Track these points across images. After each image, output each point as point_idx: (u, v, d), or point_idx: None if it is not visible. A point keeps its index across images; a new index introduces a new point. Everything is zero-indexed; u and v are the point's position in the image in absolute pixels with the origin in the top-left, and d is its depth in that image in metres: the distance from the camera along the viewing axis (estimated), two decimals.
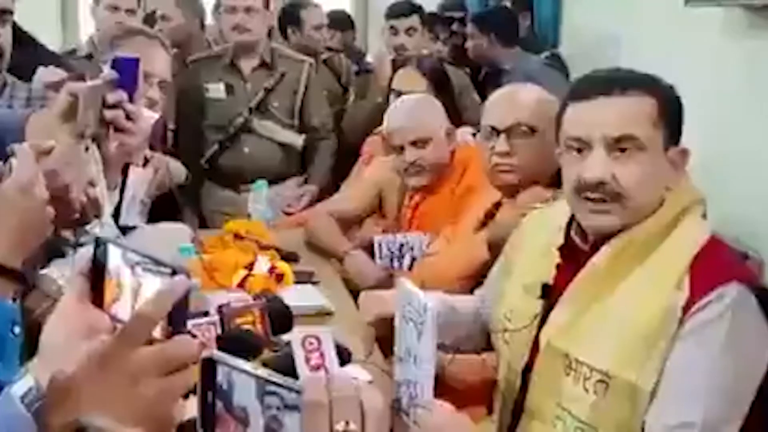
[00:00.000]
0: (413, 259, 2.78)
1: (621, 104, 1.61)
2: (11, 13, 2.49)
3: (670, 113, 1.63)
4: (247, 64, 3.97)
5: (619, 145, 1.59)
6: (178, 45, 4.34)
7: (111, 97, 1.64)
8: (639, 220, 1.62)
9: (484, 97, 3.17)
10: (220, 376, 0.83)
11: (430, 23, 4.54)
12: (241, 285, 2.41)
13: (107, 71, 1.67)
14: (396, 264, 2.80)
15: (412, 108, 2.94)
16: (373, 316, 2.10)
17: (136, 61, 1.75)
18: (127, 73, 1.71)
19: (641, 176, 1.59)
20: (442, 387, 2.05)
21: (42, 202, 1.33)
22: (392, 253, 2.81)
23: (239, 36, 3.90)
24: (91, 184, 1.54)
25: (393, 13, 4.36)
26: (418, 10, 4.36)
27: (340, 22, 5.34)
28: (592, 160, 1.61)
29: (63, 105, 1.60)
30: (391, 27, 4.31)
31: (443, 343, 1.84)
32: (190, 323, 1.68)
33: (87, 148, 1.61)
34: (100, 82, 1.66)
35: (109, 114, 1.64)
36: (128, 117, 1.71)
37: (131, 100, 1.73)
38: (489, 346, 2.00)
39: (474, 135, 2.97)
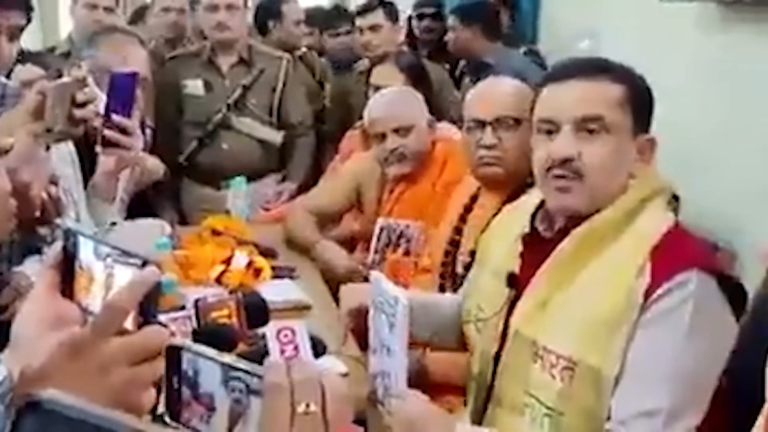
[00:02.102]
0: (407, 251, 2.79)
1: (589, 86, 1.64)
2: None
3: (639, 101, 1.66)
4: (225, 61, 3.97)
5: (586, 125, 1.62)
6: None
7: (80, 96, 1.65)
8: (602, 203, 1.63)
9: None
10: (186, 363, 0.84)
11: (398, 17, 4.43)
12: (218, 280, 2.42)
13: (79, 72, 1.68)
14: (389, 252, 2.80)
15: (395, 97, 2.98)
16: (354, 306, 2.08)
17: (134, 75, 1.76)
18: (124, 88, 1.73)
19: (606, 156, 1.62)
20: (420, 378, 2.08)
21: (4, 194, 1.33)
22: (390, 239, 2.81)
23: (221, 34, 3.90)
24: (53, 182, 1.55)
25: (357, 11, 4.33)
26: (382, 5, 4.29)
27: (319, 19, 5.33)
28: (559, 139, 1.64)
29: (32, 103, 1.60)
30: (358, 25, 4.29)
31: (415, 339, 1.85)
32: (165, 317, 1.68)
33: (48, 147, 1.62)
34: (68, 80, 1.66)
35: (78, 112, 1.65)
36: (126, 132, 1.72)
37: (129, 114, 1.74)
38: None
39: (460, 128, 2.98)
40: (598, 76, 1.65)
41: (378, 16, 4.24)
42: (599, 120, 1.62)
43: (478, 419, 1.77)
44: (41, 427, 0.46)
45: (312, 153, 4.13)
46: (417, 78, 3.35)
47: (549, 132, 1.67)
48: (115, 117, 1.75)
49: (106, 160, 1.99)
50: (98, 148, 1.82)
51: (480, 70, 4.23)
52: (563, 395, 1.57)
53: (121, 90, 1.72)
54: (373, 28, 4.22)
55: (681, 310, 1.51)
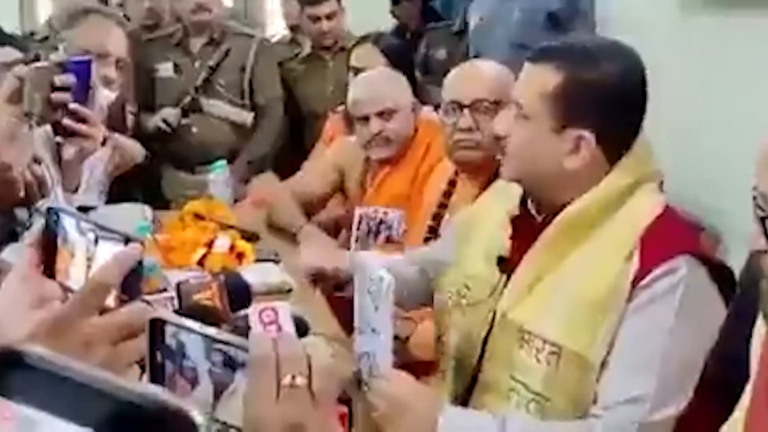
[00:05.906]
0: (388, 238, 2.77)
1: (532, 71, 1.65)
2: None
3: (574, 95, 1.59)
4: (196, 42, 3.93)
5: (518, 109, 1.65)
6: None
7: (59, 80, 1.62)
8: (526, 179, 1.68)
9: None
10: (169, 336, 0.83)
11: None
12: (200, 263, 2.41)
13: (57, 56, 1.65)
14: (371, 240, 2.79)
15: (379, 79, 2.94)
16: (309, 269, 2.05)
17: (89, 62, 1.73)
18: (80, 75, 1.69)
19: (520, 137, 1.65)
20: (406, 357, 2.07)
21: None
22: (370, 228, 2.80)
23: (197, 16, 3.85)
24: (37, 161, 1.53)
25: (309, 1, 4.12)
26: None
27: None
28: (499, 115, 1.74)
29: (9, 87, 1.58)
30: (310, 15, 4.12)
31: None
32: (147, 299, 1.67)
33: (30, 127, 1.59)
34: (47, 64, 1.64)
35: (56, 96, 1.63)
36: (84, 120, 1.69)
37: (86, 102, 1.71)
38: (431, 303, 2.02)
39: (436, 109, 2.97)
40: (544, 61, 1.63)
41: (333, 4, 4.11)
42: (519, 106, 1.64)
43: (460, 402, 1.74)
44: (24, 384, 0.45)
45: (275, 134, 4.01)
46: (397, 60, 3.31)
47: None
48: (72, 105, 1.70)
49: (66, 149, 1.96)
50: (58, 138, 1.79)
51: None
52: (549, 380, 1.56)
53: (77, 77, 1.68)
54: (330, 16, 4.09)
55: (669, 297, 1.50)
